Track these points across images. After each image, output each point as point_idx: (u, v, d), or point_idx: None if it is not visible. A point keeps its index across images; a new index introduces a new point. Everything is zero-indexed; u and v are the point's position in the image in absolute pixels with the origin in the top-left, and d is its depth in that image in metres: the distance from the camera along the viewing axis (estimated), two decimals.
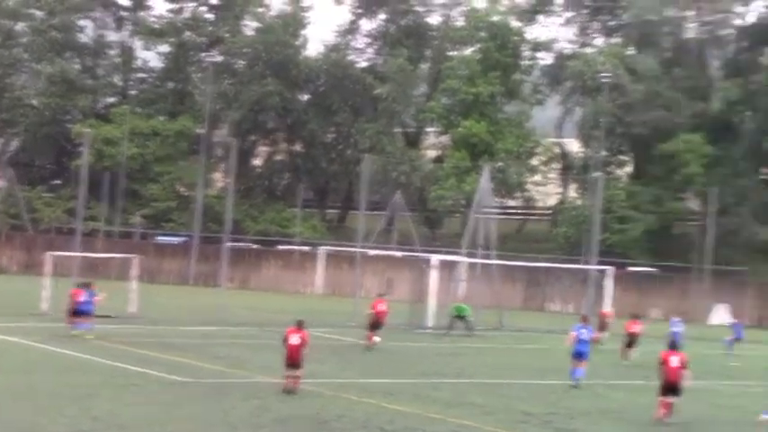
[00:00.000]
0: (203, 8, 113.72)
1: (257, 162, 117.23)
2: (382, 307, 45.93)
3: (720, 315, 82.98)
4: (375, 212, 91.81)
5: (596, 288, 65.89)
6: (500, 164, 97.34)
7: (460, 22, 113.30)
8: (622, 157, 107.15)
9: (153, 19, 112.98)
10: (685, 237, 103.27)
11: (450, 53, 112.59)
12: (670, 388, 28.67)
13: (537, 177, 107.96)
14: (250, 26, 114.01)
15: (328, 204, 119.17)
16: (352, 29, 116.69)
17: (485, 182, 63.42)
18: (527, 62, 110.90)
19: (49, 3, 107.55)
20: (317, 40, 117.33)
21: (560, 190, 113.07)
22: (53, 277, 52.01)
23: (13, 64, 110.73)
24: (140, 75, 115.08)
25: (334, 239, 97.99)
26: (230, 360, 37.11)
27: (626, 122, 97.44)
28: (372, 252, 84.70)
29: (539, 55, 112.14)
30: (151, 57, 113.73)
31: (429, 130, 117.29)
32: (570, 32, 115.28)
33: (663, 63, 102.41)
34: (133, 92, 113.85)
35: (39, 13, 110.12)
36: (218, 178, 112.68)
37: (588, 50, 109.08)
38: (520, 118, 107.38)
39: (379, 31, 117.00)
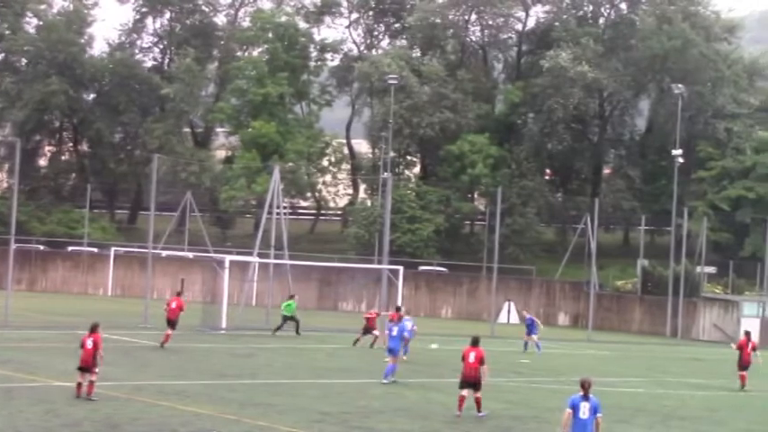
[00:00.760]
0: None
1: (43, 162, 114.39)
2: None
3: (508, 313, 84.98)
4: (165, 213, 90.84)
5: (389, 287, 66.57)
6: (290, 164, 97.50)
7: (247, 23, 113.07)
8: (411, 158, 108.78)
9: None
10: (473, 236, 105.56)
11: (238, 54, 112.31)
12: (468, 383, 29.37)
13: (327, 178, 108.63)
14: (31, 23, 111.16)
15: (117, 205, 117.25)
16: (137, 28, 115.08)
17: (275, 182, 63.26)
18: (315, 63, 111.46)
19: None
20: (102, 38, 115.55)
21: (351, 190, 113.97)
22: None
23: None
24: None
25: (125, 241, 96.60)
26: (16, 364, 36.01)
27: (413, 123, 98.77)
28: (164, 253, 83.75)
29: (327, 56, 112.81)
30: None
31: (218, 130, 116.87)
32: (356, 34, 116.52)
33: (448, 66, 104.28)
34: None
35: None
36: (2, 179, 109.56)
37: (375, 52, 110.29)
38: (309, 119, 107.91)
39: (165, 30, 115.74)
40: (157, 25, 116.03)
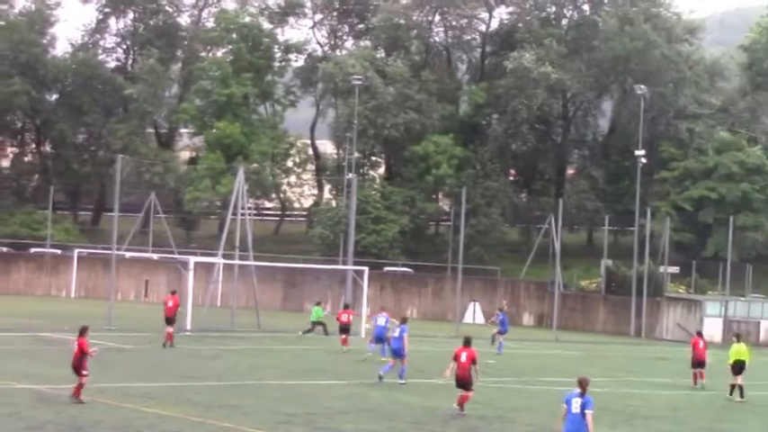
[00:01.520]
0: None
1: (5, 163, 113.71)
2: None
3: (473, 313, 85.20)
4: (129, 214, 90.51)
5: (354, 288, 66.65)
6: (255, 165, 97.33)
7: (211, 24, 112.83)
8: (375, 159, 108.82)
9: None
10: (438, 237, 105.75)
11: (202, 54, 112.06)
12: (461, 383, 29.87)
13: (292, 179, 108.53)
14: None
15: (81, 207, 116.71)
16: (100, 28, 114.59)
17: (240, 183, 63.17)
18: (279, 64, 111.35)
19: None
20: (65, 38, 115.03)
21: (315, 191, 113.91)
22: None
23: None
24: None
25: (88, 242, 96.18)
26: None
27: (378, 124, 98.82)
28: (128, 254, 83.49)
29: (291, 57, 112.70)
30: None
31: (182, 131, 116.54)
32: (320, 35, 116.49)
33: (412, 66, 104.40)
34: None
35: None
36: None
37: (339, 53, 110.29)
38: (273, 119, 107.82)
39: (129, 30, 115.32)
40: (120, 25, 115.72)
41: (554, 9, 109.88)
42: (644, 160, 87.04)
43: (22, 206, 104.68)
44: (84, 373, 28.54)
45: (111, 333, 50.95)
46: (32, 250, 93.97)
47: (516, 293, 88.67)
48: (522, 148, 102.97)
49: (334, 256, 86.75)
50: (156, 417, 26.95)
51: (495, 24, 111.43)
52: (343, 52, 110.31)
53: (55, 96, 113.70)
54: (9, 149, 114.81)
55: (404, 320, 39.35)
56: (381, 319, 45.99)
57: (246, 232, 63.02)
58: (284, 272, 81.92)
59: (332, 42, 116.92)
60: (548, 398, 34.15)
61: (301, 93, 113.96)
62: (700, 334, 44.99)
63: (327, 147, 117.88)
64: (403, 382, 37.22)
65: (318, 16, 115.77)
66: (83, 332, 29.17)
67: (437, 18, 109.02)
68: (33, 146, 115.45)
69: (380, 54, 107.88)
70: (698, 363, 43.07)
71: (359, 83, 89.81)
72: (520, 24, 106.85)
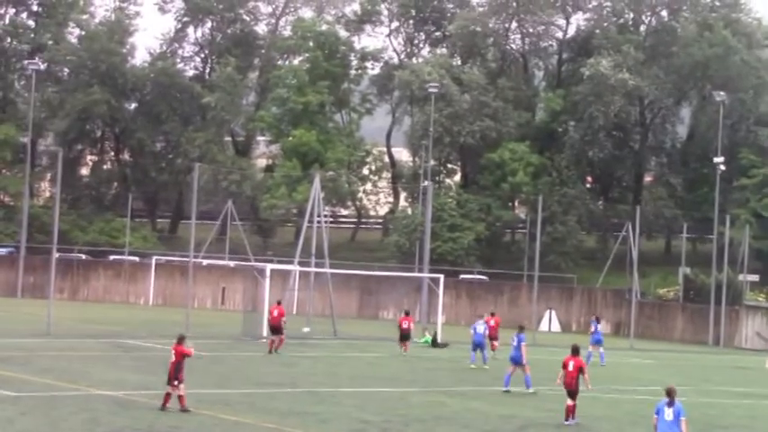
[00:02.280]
0: (24, 15, 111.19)
1: (85, 171, 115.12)
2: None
3: (549, 321, 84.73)
4: (206, 222, 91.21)
5: (429, 296, 66.57)
6: (331, 173, 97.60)
7: (288, 32, 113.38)
8: (451, 167, 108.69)
9: None
10: (514, 244, 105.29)
11: (279, 62, 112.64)
12: (567, 391, 29.97)
13: (368, 186, 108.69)
14: (74, 33, 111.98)
15: (159, 214, 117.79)
16: (178, 37, 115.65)
17: (316, 191, 63.37)
18: (356, 72, 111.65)
19: None
20: (143, 48, 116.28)
21: (391, 199, 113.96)
22: None
23: None
24: None
25: (166, 249, 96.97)
26: (59, 372, 36.24)
27: (454, 132, 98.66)
28: (205, 262, 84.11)
29: (367, 65, 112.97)
30: None
31: (259, 139, 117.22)
32: (397, 42, 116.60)
33: (488, 74, 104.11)
34: None
35: None
36: (45, 188, 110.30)
37: (415, 60, 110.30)
38: (350, 127, 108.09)
39: (206, 39, 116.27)
40: (198, 34, 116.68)
41: (632, 15, 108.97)
42: (723, 167, 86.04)
43: (101, 214, 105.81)
44: (176, 383, 28.52)
45: (188, 340, 51.21)
46: (111, 257, 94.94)
47: (593, 301, 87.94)
48: (598, 155, 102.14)
49: (410, 263, 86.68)
50: (232, 424, 27.08)
51: (572, 31, 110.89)
52: (420, 60, 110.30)
53: (134, 105, 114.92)
54: (89, 158, 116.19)
55: (521, 329, 39.35)
56: (480, 327, 47.06)
57: (323, 240, 63.16)
58: (360, 279, 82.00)
59: (408, 50, 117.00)
60: (624, 407, 33.83)
61: (377, 100, 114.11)
62: None
63: (403, 154, 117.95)
64: (531, 390, 37.33)
65: (395, 24, 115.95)
66: (180, 340, 29.21)
67: (514, 25, 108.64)
68: (112, 154, 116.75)
69: (456, 61, 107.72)
70: None
71: (435, 90, 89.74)
72: (597, 31, 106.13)
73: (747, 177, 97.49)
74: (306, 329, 55.94)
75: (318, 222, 63.77)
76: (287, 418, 28.56)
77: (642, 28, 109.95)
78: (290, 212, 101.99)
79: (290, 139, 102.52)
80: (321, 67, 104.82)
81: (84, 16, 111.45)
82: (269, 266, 59.92)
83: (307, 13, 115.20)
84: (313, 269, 64.03)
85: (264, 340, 54.59)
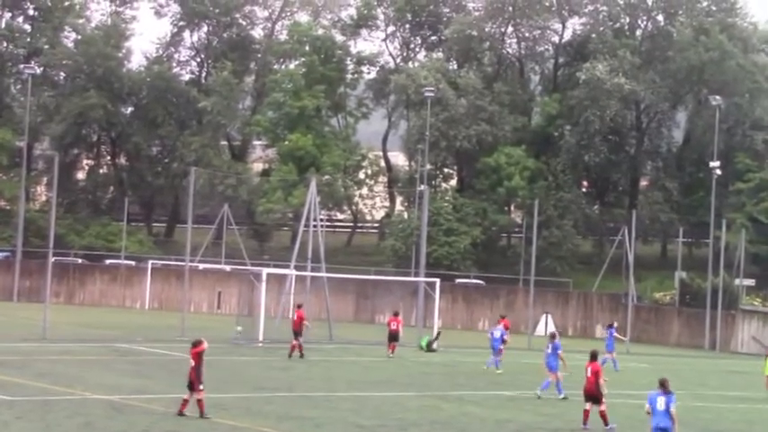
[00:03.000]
0: (20, 19, 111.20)
1: (81, 176, 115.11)
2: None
3: (545, 326, 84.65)
4: (203, 226, 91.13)
5: (426, 300, 66.59)
6: (327, 177, 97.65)
7: (284, 36, 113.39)
8: (447, 171, 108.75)
9: None
10: (510, 249, 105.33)
11: (275, 66, 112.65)
12: (588, 396, 30.34)
13: (364, 191, 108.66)
14: (70, 37, 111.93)
15: (155, 218, 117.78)
16: (174, 41, 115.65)
17: (312, 195, 63.38)
18: (352, 76, 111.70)
19: None
20: (140, 52, 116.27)
21: (387, 203, 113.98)
22: None
23: None
24: None
25: (162, 253, 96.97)
26: (54, 377, 36.26)
27: (450, 136, 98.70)
28: (201, 266, 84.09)
29: (363, 69, 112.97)
30: None
31: (255, 143, 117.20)
32: (393, 47, 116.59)
33: (484, 78, 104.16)
34: None
35: None
36: (40, 192, 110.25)
37: (411, 65, 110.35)
38: (346, 132, 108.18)
39: (203, 43, 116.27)
40: (195, 39, 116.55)
41: (628, 20, 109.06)
42: (719, 172, 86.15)
43: (97, 218, 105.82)
44: (201, 387, 28.43)
45: (184, 344, 51.27)
46: (107, 262, 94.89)
47: (589, 306, 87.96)
48: (594, 160, 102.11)
49: (406, 267, 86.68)
50: (229, 428, 27.12)
51: (568, 35, 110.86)
52: (416, 64, 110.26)
53: (130, 109, 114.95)
54: (85, 162, 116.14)
55: (553, 336, 40.16)
56: (497, 332, 48.22)
57: (319, 244, 63.19)
58: (356, 283, 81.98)
59: (404, 54, 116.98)
60: (620, 411, 33.82)
61: (373, 105, 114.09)
62: None
63: (399, 159, 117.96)
64: (562, 396, 37.91)
65: (391, 28, 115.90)
66: (196, 345, 29.07)
67: (510, 29, 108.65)
68: (108, 158, 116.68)
69: (453, 66, 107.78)
70: None
71: (431, 95, 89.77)
72: (593, 35, 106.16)
73: (743, 182, 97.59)
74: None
75: (314, 226, 63.79)
76: (283, 422, 28.60)
77: (638, 32, 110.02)
78: (286, 217, 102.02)
79: (287, 143, 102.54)
80: (317, 72, 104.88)
81: (81, 20, 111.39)
82: (265, 271, 59.95)
83: (303, 18, 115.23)
84: (309, 273, 64.05)
85: (261, 344, 54.68)
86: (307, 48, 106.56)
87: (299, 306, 52.12)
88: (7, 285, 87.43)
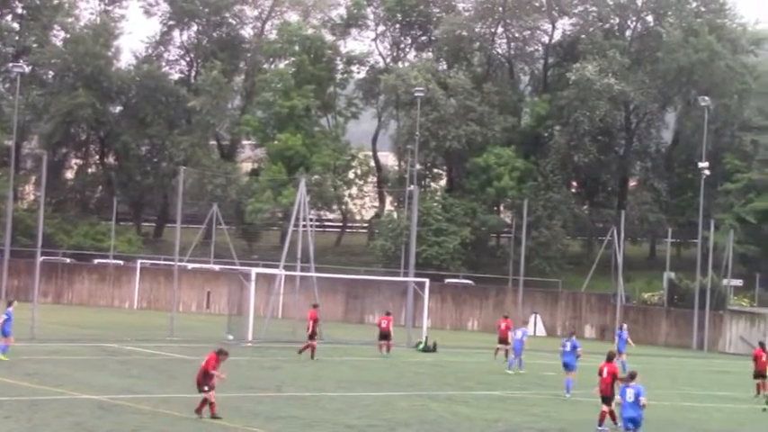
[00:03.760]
0: (8, 17, 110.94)
1: (69, 175, 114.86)
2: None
3: (534, 326, 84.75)
4: (192, 226, 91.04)
5: (415, 300, 66.62)
6: (316, 177, 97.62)
7: (274, 36, 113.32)
8: (437, 171, 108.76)
9: None
10: (500, 249, 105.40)
11: (265, 66, 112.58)
12: (603, 397, 30.50)
13: (353, 190, 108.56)
14: (59, 36, 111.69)
15: (144, 218, 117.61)
16: (164, 40, 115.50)
17: (301, 195, 63.36)
18: (341, 76, 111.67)
19: None
20: (129, 51, 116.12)
21: (377, 203, 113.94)
22: None
23: None
24: None
25: (151, 253, 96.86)
26: (43, 376, 36.20)
27: (439, 136, 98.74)
28: (190, 266, 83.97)
29: (353, 68, 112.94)
30: None
31: (245, 142, 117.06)
32: (383, 46, 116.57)
33: (474, 78, 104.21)
34: None
35: None
36: (29, 191, 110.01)
37: (401, 65, 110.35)
38: (335, 131, 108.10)
39: (192, 43, 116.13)
40: (184, 38, 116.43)
41: (617, 20, 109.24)
42: (707, 172, 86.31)
43: (85, 217, 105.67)
44: (206, 389, 28.44)
45: (173, 344, 51.31)
46: (96, 261, 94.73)
47: (578, 306, 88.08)
48: (584, 160, 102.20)
49: (396, 267, 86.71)
50: (218, 427, 27.12)
51: (557, 36, 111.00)
52: (406, 64, 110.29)
53: (119, 108, 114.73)
54: (73, 161, 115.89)
55: (571, 334, 41.72)
56: (519, 333, 48.90)
57: (308, 244, 63.17)
58: (346, 283, 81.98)
59: (394, 54, 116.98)
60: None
61: (363, 105, 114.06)
62: (762, 346, 44.79)
63: (389, 159, 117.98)
64: (569, 396, 38.41)
65: (381, 28, 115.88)
66: (220, 353, 29.10)
67: (500, 30, 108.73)
68: (97, 157, 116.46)
69: (442, 66, 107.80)
70: (759, 374, 43.51)
71: (421, 95, 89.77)
72: (583, 36, 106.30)
73: (731, 182, 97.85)
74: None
75: (304, 226, 63.78)
76: (271, 422, 28.60)
77: (628, 33, 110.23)
78: (275, 216, 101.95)
79: (276, 142, 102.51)
80: (307, 71, 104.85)
81: (70, 19, 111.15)
82: (254, 270, 59.92)
83: (293, 17, 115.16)
84: (299, 273, 64.02)
85: (250, 344, 54.64)
86: (296, 47, 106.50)
87: (315, 306, 52.75)
88: None
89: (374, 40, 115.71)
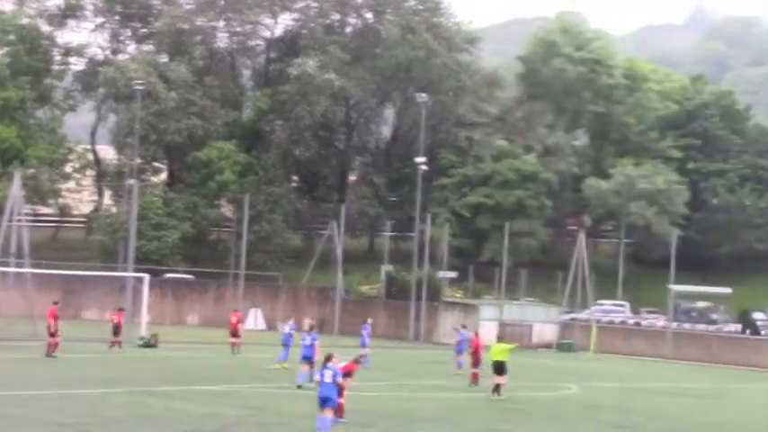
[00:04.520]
0: None
1: None
2: None
3: (255, 319, 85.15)
4: None
5: (134, 295, 65.86)
6: (32, 170, 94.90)
7: None
8: (157, 165, 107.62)
9: None
10: (221, 243, 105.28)
11: None
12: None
13: (71, 184, 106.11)
14: None
15: None
16: None
17: (16, 189, 61.67)
18: (59, 67, 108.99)
19: None
20: None
21: (95, 197, 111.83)
22: None
23: None
24: None
25: None
26: None
27: (160, 130, 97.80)
28: None
29: (71, 60, 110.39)
30: None
31: None
32: (102, 38, 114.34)
33: (195, 72, 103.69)
34: None
35: None
36: None
37: (121, 57, 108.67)
38: (52, 124, 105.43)
39: None
40: None
41: (338, 17, 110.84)
42: (425, 167, 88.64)
43: None
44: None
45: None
46: None
47: (298, 299, 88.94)
48: (305, 155, 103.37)
49: (115, 262, 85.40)
50: None
51: (279, 31, 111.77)
52: (126, 56, 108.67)
53: None
54: None
55: (311, 328, 43.15)
56: (287, 327, 50.61)
57: (22, 239, 61.55)
58: (63, 279, 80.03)
59: (114, 46, 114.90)
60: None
61: (82, 97, 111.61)
62: (477, 335, 47.09)
63: (108, 152, 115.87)
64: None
65: (100, 19, 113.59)
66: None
67: (221, 23, 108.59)
68: None
69: (163, 59, 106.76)
70: (476, 363, 45.92)
71: (141, 88, 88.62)
72: (304, 31, 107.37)
73: (447, 177, 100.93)
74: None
75: (18, 221, 62.09)
76: None
77: (348, 29, 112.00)
78: None
79: None
80: (22, 62, 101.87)
81: None
82: None
83: (7, 6, 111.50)
84: (12, 269, 62.26)
85: None
86: (11, 37, 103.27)
87: (55, 303, 51.86)
88: None
89: (93, 31, 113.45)
